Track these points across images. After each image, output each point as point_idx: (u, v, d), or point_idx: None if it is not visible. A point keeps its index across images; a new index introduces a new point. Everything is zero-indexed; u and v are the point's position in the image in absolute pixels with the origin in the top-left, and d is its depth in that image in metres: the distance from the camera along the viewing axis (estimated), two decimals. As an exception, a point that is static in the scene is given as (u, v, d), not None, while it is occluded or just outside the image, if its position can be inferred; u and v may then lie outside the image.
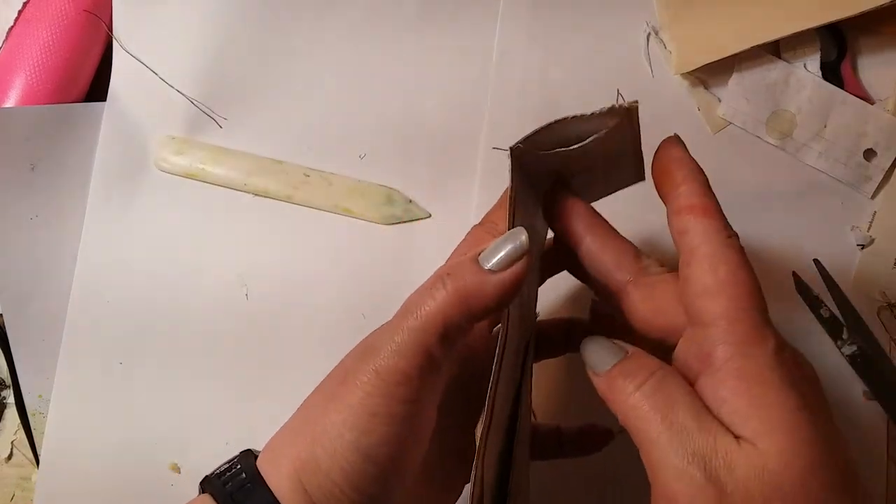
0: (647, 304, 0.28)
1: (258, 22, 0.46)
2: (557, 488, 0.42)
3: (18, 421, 0.45)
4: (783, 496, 0.22)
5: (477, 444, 0.26)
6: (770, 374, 0.24)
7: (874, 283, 0.43)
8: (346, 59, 0.46)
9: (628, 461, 0.41)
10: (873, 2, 0.41)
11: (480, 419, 0.27)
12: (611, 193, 0.33)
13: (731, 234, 0.27)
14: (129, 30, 0.46)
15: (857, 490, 0.24)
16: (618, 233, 0.30)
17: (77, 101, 0.45)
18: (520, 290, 0.26)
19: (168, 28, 0.46)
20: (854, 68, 0.44)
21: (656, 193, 0.29)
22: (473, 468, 0.25)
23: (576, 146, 0.27)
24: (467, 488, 0.31)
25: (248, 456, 0.28)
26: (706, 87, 0.45)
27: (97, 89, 0.46)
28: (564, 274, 0.33)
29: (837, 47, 0.44)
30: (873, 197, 0.44)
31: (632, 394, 0.25)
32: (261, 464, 0.27)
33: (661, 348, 0.28)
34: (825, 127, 0.44)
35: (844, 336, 0.41)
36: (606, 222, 0.30)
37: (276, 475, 0.26)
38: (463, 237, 0.31)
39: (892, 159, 0.44)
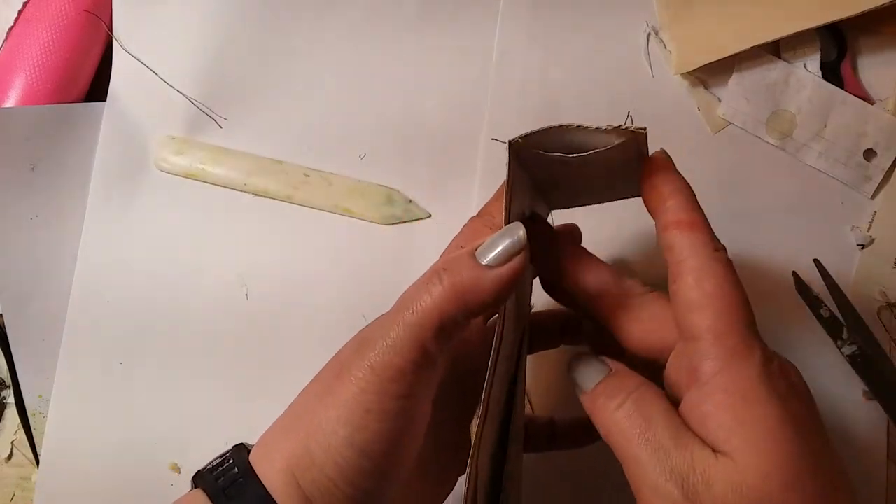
0: (634, 324, 0.28)
1: (258, 22, 0.46)
2: (551, 481, 0.42)
3: (18, 421, 0.45)
4: None
5: (472, 438, 0.26)
6: (756, 389, 0.24)
7: (874, 283, 0.43)
8: (346, 59, 0.46)
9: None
10: (873, 2, 0.41)
11: (476, 413, 0.27)
12: (608, 202, 0.33)
13: (718, 248, 0.27)
14: (129, 30, 0.46)
15: (844, 497, 0.24)
16: (597, 258, 0.30)
17: (77, 101, 0.45)
18: (517, 286, 0.26)
19: (168, 28, 0.46)
20: (854, 68, 0.44)
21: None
22: (469, 464, 0.25)
23: (576, 155, 0.27)
24: (461, 480, 0.31)
25: (241, 450, 0.28)
26: (706, 87, 0.45)
27: (97, 89, 0.46)
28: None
29: (837, 47, 0.44)
30: (873, 197, 0.44)
31: (612, 413, 0.26)
32: (253, 458, 0.27)
33: (657, 366, 0.28)
34: (825, 127, 0.44)
35: (844, 336, 0.41)
36: (585, 249, 0.31)
37: (269, 470, 0.26)
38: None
39: (892, 159, 0.44)
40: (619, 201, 0.33)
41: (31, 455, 0.45)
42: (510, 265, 0.26)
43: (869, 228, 0.44)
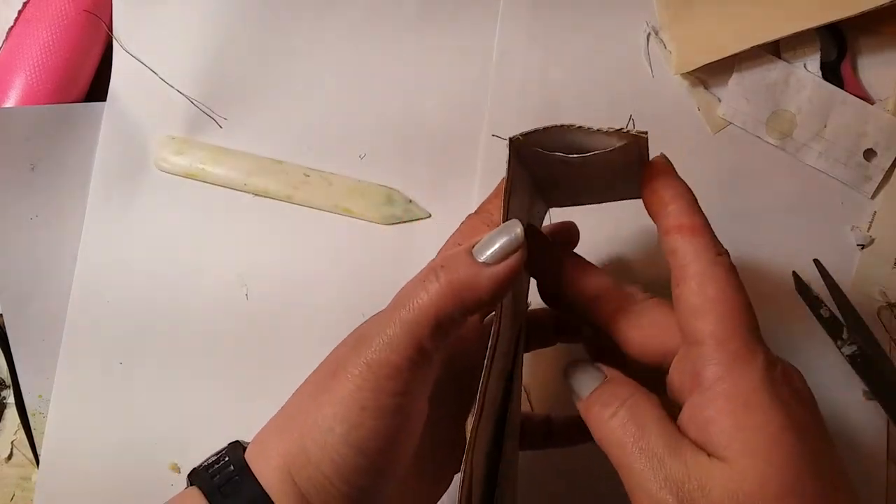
0: (636, 331, 0.28)
1: (258, 22, 0.46)
2: (547, 478, 0.42)
3: (18, 421, 0.45)
4: None
5: (467, 436, 0.26)
6: (757, 395, 0.24)
7: (874, 283, 0.43)
8: (346, 59, 0.46)
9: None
10: (873, 2, 0.41)
11: (471, 411, 0.27)
12: (607, 202, 0.33)
13: (720, 252, 0.27)
14: (129, 30, 0.46)
15: None
16: (596, 266, 0.30)
17: (77, 101, 0.45)
18: (514, 283, 0.26)
19: (168, 28, 0.46)
20: (854, 68, 0.44)
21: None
22: (463, 462, 0.25)
23: (576, 156, 0.27)
24: (457, 477, 0.31)
25: (237, 448, 0.28)
26: (706, 87, 0.45)
27: (97, 89, 0.46)
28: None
29: (837, 47, 0.44)
30: (873, 197, 0.44)
31: (607, 421, 0.26)
32: (249, 456, 0.27)
33: (659, 372, 0.28)
34: (825, 127, 0.44)
35: (844, 336, 0.41)
36: (583, 258, 0.31)
37: (265, 467, 0.26)
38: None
39: (892, 159, 0.44)
40: (617, 202, 0.33)
41: (31, 455, 0.45)
42: (507, 263, 0.26)
43: (869, 228, 0.44)
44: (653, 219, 0.28)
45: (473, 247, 0.26)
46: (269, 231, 0.45)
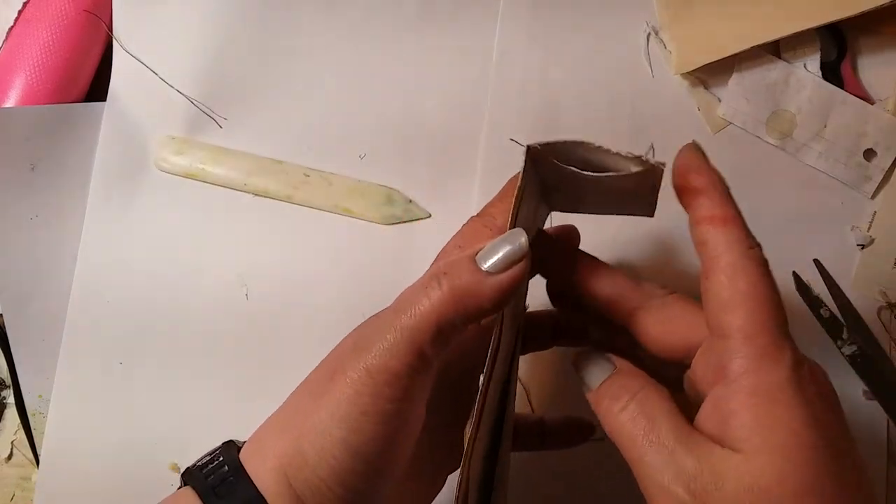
0: (658, 327, 0.28)
1: (258, 22, 0.46)
2: (543, 481, 0.42)
3: (18, 421, 0.45)
4: None
5: (465, 442, 0.25)
6: (782, 392, 0.24)
7: (874, 283, 0.43)
8: (346, 59, 0.46)
9: (610, 456, 0.42)
10: (873, 2, 0.41)
11: (469, 416, 0.27)
12: (609, 215, 0.33)
13: (752, 245, 0.26)
14: (129, 30, 0.46)
15: None
16: (609, 266, 0.30)
17: (77, 101, 0.45)
18: (517, 292, 0.26)
19: (168, 28, 0.46)
20: (854, 68, 0.44)
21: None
22: (461, 468, 0.25)
23: (590, 174, 0.27)
24: (451, 478, 0.31)
25: (231, 448, 0.28)
26: (706, 87, 0.45)
27: (97, 89, 0.46)
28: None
29: (837, 47, 0.44)
30: (873, 197, 0.44)
31: (617, 415, 0.26)
32: (245, 455, 0.27)
33: (680, 368, 0.28)
34: (825, 127, 0.44)
35: (844, 336, 0.41)
36: (596, 258, 0.31)
37: (260, 468, 0.26)
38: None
39: (892, 159, 0.44)
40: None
41: (31, 455, 0.45)
42: (510, 273, 0.26)
43: (869, 228, 0.44)
44: (684, 207, 0.28)
45: (477, 254, 0.26)
46: (269, 231, 0.45)
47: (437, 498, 0.32)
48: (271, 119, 0.46)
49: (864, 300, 0.43)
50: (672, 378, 0.28)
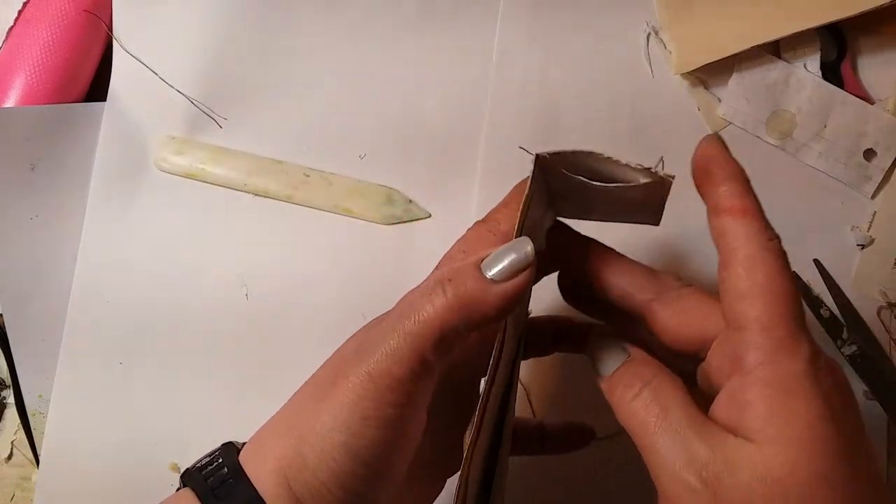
0: (674, 318, 0.28)
1: (258, 22, 0.46)
2: (543, 485, 0.42)
3: (18, 421, 0.45)
4: (786, 502, 0.22)
5: (465, 448, 0.25)
6: (798, 384, 0.24)
7: (874, 283, 0.43)
8: (346, 59, 0.46)
9: (609, 461, 0.42)
10: (873, 2, 0.41)
11: (470, 421, 0.27)
12: (617, 223, 0.33)
13: (771, 237, 0.26)
14: (129, 30, 0.46)
15: (875, 502, 0.23)
16: (624, 255, 0.30)
17: (77, 101, 0.45)
18: (521, 301, 0.26)
19: (168, 28, 0.46)
20: (854, 68, 0.44)
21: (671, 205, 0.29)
22: (460, 474, 0.25)
23: (599, 184, 0.27)
24: (450, 481, 0.31)
25: (230, 449, 0.28)
26: (706, 87, 0.45)
27: (97, 89, 0.46)
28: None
29: (837, 47, 0.44)
30: (873, 197, 0.44)
31: (630, 402, 0.26)
32: (244, 456, 0.27)
33: (694, 361, 0.28)
34: (825, 127, 0.44)
35: (844, 336, 0.41)
36: (611, 248, 0.31)
37: (260, 469, 0.26)
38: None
39: (892, 159, 0.44)
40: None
41: (31, 455, 0.45)
42: (515, 281, 0.26)
43: (869, 228, 0.44)
44: (703, 198, 0.28)
45: (482, 261, 0.26)
46: (269, 231, 0.45)
47: (436, 500, 0.32)
48: (271, 119, 0.46)
49: (864, 300, 0.43)
50: (686, 372, 0.28)
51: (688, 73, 0.44)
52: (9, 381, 0.45)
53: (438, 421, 0.29)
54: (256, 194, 0.45)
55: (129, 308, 0.45)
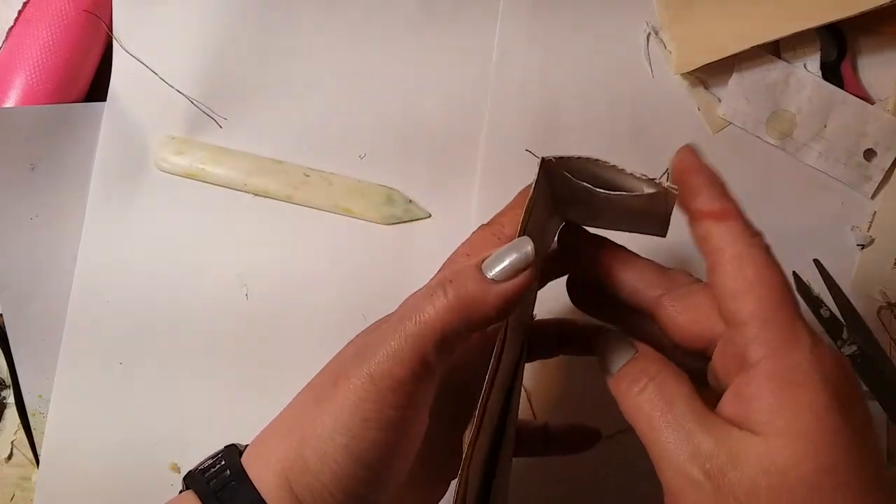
0: (684, 314, 0.28)
1: (258, 22, 0.46)
2: (546, 486, 0.42)
3: (18, 421, 0.45)
4: (791, 494, 0.22)
5: (465, 449, 0.25)
6: (804, 375, 0.24)
7: (874, 283, 0.43)
8: (346, 59, 0.46)
9: (611, 461, 0.41)
10: (873, 2, 0.41)
11: (470, 422, 0.27)
12: (623, 231, 0.33)
13: (754, 234, 0.26)
14: (129, 30, 0.46)
15: (881, 493, 0.23)
16: (634, 252, 0.30)
17: (77, 101, 0.45)
18: (522, 301, 0.26)
19: (168, 28, 0.46)
20: (854, 68, 0.44)
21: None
22: (459, 474, 0.25)
23: (602, 191, 0.27)
24: (453, 484, 0.31)
25: (233, 452, 0.28)
26: (706, 87, 0.45)
27: (97, 89, 0.46)
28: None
29: (837, 47, 0.44)
30: (873, 197, 0.44)
31: (635, 396, 0.26)
32: (247, 460, 0.27)
33: (704, 359, 0.28)
34: (825, 127, 0.44)
35: (844, 336, 0.41)
36: (621, 246, 0.31)
37: (263, 472, 0.26)
38: (463, 237, 0.31)
39: (892, 159, 0.44)
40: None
41: (31, 455, 0.45)
42: (515, 281, 0.26)
43: (869, 228, 0.44)
44: (682, 208, 0.28)
45: (483, 262, 0.26)
46: (269, 231, 0.45)
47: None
48: (271, 119, 0.46)
49: (864, 300, 0.43)
50: (697, 371, 0.28)
51: (688, 73, 0.44)
52: (9, 381, 0.45)
53: (440, 423, 0.29)
54: (256, 194, 0.45)
55: (129, 308, 0.45)
